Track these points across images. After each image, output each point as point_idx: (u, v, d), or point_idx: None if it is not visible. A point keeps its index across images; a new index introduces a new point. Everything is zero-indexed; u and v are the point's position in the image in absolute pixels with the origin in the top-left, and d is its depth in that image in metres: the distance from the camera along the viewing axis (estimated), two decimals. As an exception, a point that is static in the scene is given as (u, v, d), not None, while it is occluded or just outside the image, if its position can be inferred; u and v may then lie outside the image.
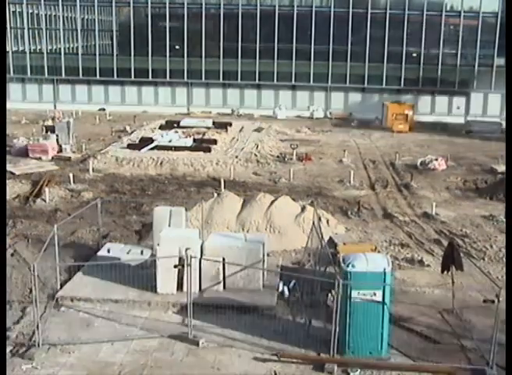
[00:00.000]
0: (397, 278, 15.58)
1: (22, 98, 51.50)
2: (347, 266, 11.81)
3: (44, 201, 22.91)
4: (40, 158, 30.33)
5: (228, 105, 50.95)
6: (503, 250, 18.02)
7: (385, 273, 11.72)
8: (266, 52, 50.39)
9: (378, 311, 11.78)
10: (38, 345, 12.12)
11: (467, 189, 27.06)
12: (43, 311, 13.15)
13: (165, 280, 14.45)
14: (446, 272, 14.57)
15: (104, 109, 49.76)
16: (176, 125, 39.85)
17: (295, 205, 20.99)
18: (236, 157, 31.12)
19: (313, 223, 16.34)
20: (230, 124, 41.06)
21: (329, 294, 14.00)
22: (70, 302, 14.21)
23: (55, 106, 51.75)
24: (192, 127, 38.74)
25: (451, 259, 14.29)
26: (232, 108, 50.50)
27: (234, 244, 15.06)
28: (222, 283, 14.78)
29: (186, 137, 34.97)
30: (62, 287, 14.77)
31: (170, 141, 33.47)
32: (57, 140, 32.29)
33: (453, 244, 14.91)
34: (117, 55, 52.11)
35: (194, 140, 34.26)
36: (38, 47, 52.97)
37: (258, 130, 40.08)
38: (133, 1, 51.16)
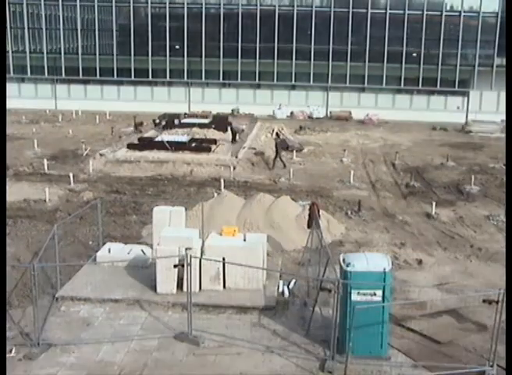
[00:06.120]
0: (397, 278, 15.57)
1: (22, 98, 51.48)
2: (347, 265, 11.80)
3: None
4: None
5: (228, 104, 50.91)
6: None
7: (385, 273, 11.72)
8: (266, 52, 50.39)
9: (378, 311, 11.77)
10: (38, 345, 12.12)
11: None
12: (43, 311, 13.14)
13: (165, 279, 14.45)
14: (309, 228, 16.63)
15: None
16: (176, 123, 39.89)
17: (295, 205, 21.01)
18: (236, 157, 31.11)
19: (313, 223, 16.34)
20: (230, 124, 41.00)
21: (329, 294, 13.99)
22: (70, 302, 14.21)
23: (55, 106, 51.83)
24: (193, 125, 38.75)
25: (313, 218, 16.50)
26: (232, 108, 50.50)
27: (234, 244, 15.06)
28: (222, 283, 14.79)
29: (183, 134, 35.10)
30: (62, 287, 14.77)
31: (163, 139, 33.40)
32: None
33: (315, 204, 17.25)
34: (117, 55, 52.11)
35: (194, 139, 34.23)
36: (38, 47, 52.97)
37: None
38: (133, 1, 51.18)
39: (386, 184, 27.71)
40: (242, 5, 50.59)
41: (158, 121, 40.52)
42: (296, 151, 33.75)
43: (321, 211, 18.21)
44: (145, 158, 30.29)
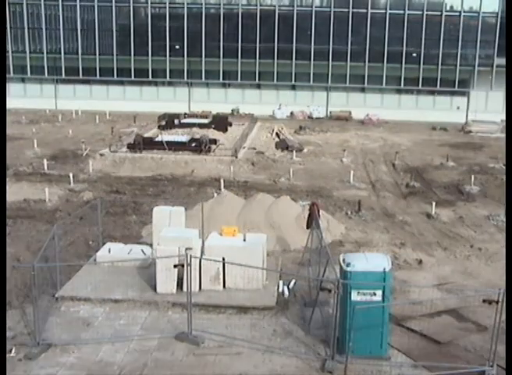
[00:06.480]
0: (397, 278, 15.57)
1: (22, 98, 51.47)
2: (347, 265, 11.80)
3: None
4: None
5: (228, 104, 50.92)
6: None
7: (385, 273, 11.71)
8: (266, 52, 50.41)
9: (378, 311, 11.77)
10: (38, 345, 12.11)
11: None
12: (43, 311, 13.13)
13: (165, 279, 14.45)
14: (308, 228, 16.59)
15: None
16: (176, 123, 39.92)
17: (295, 205, 21.01)
18: (236, 157, 31.12)
19: (313, 223, 16.34)
20: (230, 124, 41.06)
21: (329, 294, 13.99)
22: (70, 302, 14.20)
23: (55, 106, 51.81)
24: (193, 125, 38.78)
25: (313, 218, 16.43)
26: (232, 108, 50.51)
27: (234, 244, 15.05)
28: (221, 283, 14.79)
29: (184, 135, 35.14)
30: (62, 287, 14.77)
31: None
32: None
33: (315, 204, 17.15)
34: (117, 55, 52.11)
35: (194, 139, 34.26)
36: (38, 47, 52.97)
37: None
38: (133, 1, 51.18)
39: (386, 184, 27.71)
40: (242, 5, 50.62)
41: (163, 124, 40.10)
42: (296, 151, 33.77)
43: (321, 211, 18.22)
44: (145, 158, 30.31)
